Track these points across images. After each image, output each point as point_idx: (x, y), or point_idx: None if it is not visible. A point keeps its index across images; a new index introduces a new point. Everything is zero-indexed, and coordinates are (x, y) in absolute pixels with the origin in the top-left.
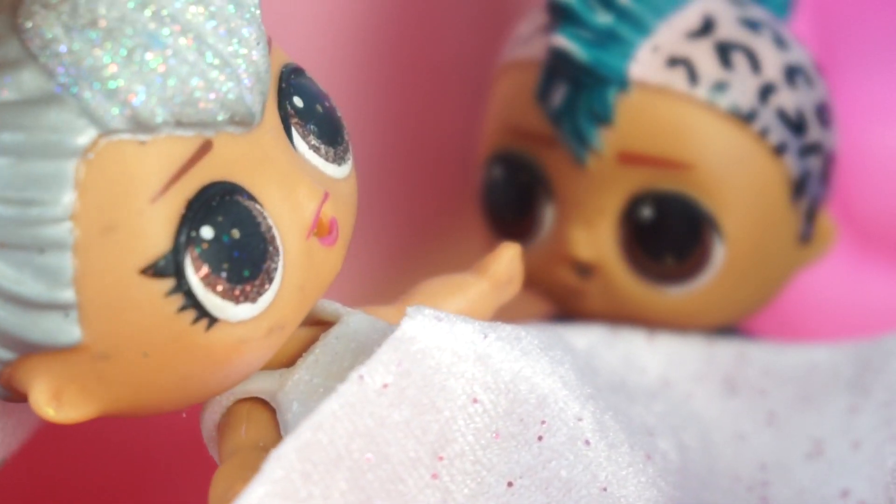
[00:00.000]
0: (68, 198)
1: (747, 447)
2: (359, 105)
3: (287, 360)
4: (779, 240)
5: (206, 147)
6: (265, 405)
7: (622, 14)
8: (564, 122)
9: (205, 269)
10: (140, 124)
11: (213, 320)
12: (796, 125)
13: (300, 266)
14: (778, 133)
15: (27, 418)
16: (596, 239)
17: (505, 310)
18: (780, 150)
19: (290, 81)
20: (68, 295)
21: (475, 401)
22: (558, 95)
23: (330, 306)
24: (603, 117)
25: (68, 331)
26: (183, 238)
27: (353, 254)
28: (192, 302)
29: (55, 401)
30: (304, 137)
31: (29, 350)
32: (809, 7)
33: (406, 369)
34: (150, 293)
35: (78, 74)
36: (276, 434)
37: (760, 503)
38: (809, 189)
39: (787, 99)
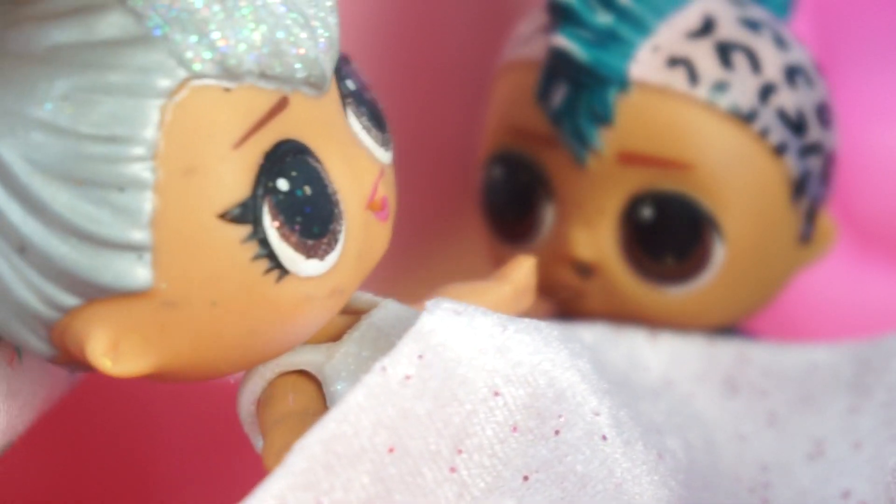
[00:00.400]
0: (152, 137)
1: (748, 448)
2: None
3: (329, 340)
4: (779, 240)
5: (282, 103)
6: (309, 379)
7: (622, 14)
8: (564, 122)
9: (280, 220)
10: (227, 70)
11: (283, 273)
12: (796, 125)
13: (359, 234)
14: (778, 133)
15: (33, 401)
16: (596, 239)
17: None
18: (780, 150)
19: (342, 65)
20: (144, 236)
21: (496, 394)
22: (558, 95)
23: (364, 296)
24: (603, 117)
25: (140, 274)
26: (261, 187)
27: None
28: (267, 251)
29: (113, 351)
30: (357, 117)
31: (95, 295)
32: (809, 7)
33: (428, 361)
34: (226, 238)
35: (169, 17)
36: (323, 406)
37: None
38: (809, 189)
39: (788, 99)
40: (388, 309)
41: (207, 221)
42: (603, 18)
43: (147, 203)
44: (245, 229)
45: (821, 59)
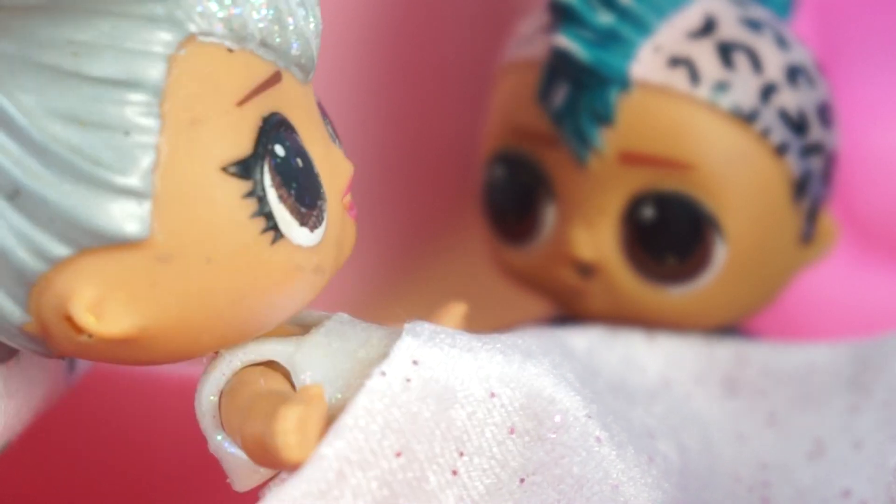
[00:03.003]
0: (159, 84)
1: (748, 447)
2: (361, 105)
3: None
4: (780, 240)
5: (276, 77)
6: (277, 371)
7: (623, 14)
8: (566, 122)
9: (278, 181)
10: (233, 31)
11: (278, 235)
12: (798, 125)
13: (337, 222)
14: (779, 133)
15: (30, 401)
16: (597, 239)
17: (507, 309)
18: (781, 150)
19: None
20: (146, 182)
21: (493, 395)
22: (559, 95)
23: (315, 312)
24: (604, 117)
25: (138, 221)
26: (261, 147)
27: (355, 252)
28: (265, 210)
29: (97, 308)
30: (325, 125)
31: (88, 243)
32: (811, 7)
33: (424, 366)
34: (227, 192)
35: None
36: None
37: (761, 503)
38: (811, 189)
39: (789, 99)
40: (344, 317)
41: (210, 173)
42: (604, 18)
43: (151, 149)
44: (246, 185)
45: (822, 59)
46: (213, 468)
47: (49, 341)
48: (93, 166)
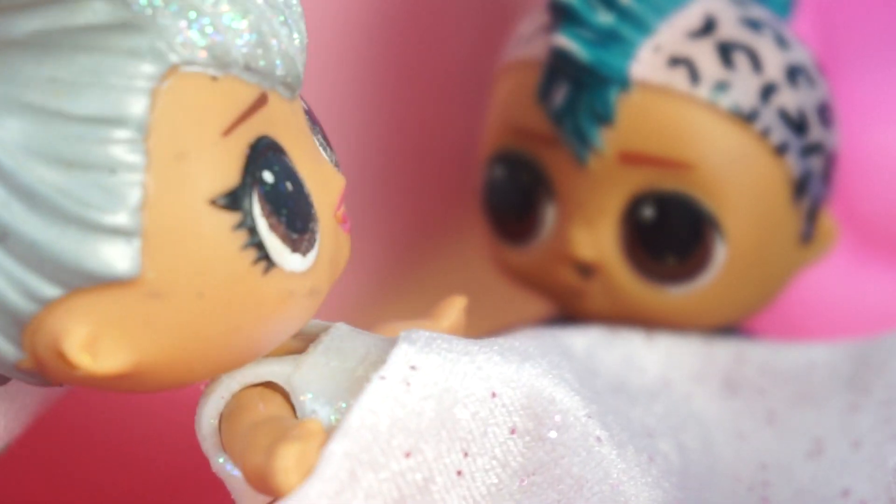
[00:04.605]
0: (143, 120)
1: (747, 447)
2: (361, 105)
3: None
4: (780, 240)
5: (263, 99)
6: (276, 391)
7: (623, 14)
8: (566, 122)
9: (268, 209)
10: (215, 58)
11: (270, 265)
12: (798, 125)
13: (331, 239)
14: (779, 133)
15: (30, 403)
16: (597, 239)
17: (507, 310)
18: (781, 149)
19: None
20: (134, 221)
21: (494, 395)
22: (559, 95)
23: (314, 321)
24: (604, 117)
25: (128, 260)
26: (249, 176)
27: (355, 252)
28: (256, 240)
29: (92, 347)
30: (314, 134)
31: (79, 283)
32: (811, 7)
33: (423, 371)
34: (216, 225)
35: (161, 4)
36: (293, 416)
37: (761, 503)
38: (811, 189)
39: (789, 99)
40: (343, 329)
41: (198, 207)
42: (604, 18)
43: (137, 186)
44: (235, 216)
45: (822, 59)
46: (210, 470)
47: (45, 374)
48: (80, 207)
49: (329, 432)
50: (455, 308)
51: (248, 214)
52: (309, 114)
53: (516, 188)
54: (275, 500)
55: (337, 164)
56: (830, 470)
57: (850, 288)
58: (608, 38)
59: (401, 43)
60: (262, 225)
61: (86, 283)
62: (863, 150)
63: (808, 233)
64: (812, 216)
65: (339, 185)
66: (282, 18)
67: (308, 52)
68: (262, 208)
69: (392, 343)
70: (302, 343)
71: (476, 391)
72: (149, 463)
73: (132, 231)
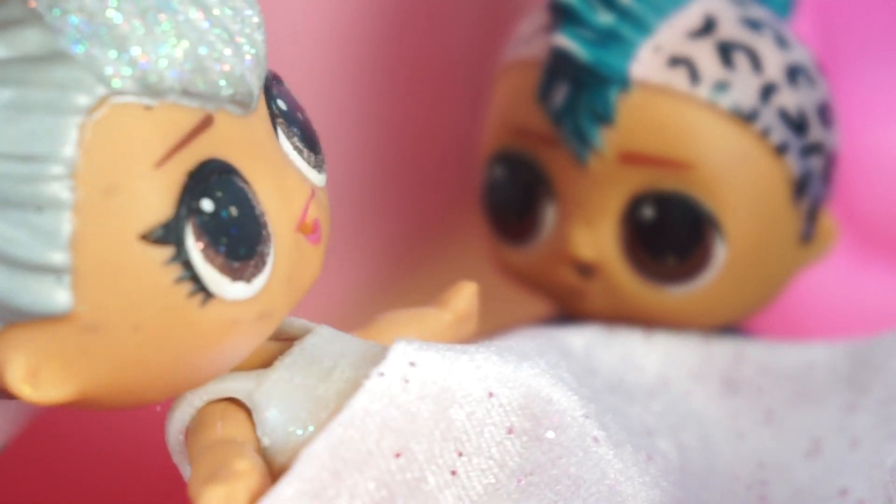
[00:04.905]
0: (71, 155)
1: (746, 446)
2: (360, 105)
3: (261, 366)
4: (780, 239)
5: (207, 121)
6: (239, 406)
7: (623, 14)
8: (566, 122)
9: (204, 241)
10: (148, 87)
11: (208, 296)
12: (798, 125)
13: (289, 257)
14: (779, 133)
15: (23, 408)
16: (597, 239)
17: (507, 310)
18: (781, 149)
19: (272, 85)
20: (63, 258)
21: (491, 395)
22: (559, 95)
23: (297, 322)
24: (604, 117)
25: (59, 297)
26: (184, 207)
27: (355, 253)
28: (190, 274)
29: (33, 378)
30: (288, 138)
31: (13, 318)
32: (811, 7)
33: (421, 368)
34: (148, 260)
35: (88, 33)
36: (253, 433)
37: (759, 502)
38: (811, 189)
39: (789, 99)
40: (321, 335)
41: (129, 242)
42: (604, 18)
43: (66, 224)
44: (168, 251)
45: (822, 59)
46: None
47: (5, 395)
48: (8, 246)
49: (295, 447)
50: (464, 295)
51: (182, 247)
52: (287, 114)
53: (516, 188)
54: None
55: (321, 164)
56: (829, 469)
57: (850, 288)
58: (608, 38)
59: (401, 43)
60: (197, 258)
61: (20, 318)
62: (863, 150)
63: (808, 233)
64: (812, 216)
65: (303, 196)
66: (226, 37)
67: (308, 52)
68: (198, 240)
69: (374, 347)
70: (280, 346)
71: (473, 391)
72: (146, 464)
73: (62, 268)
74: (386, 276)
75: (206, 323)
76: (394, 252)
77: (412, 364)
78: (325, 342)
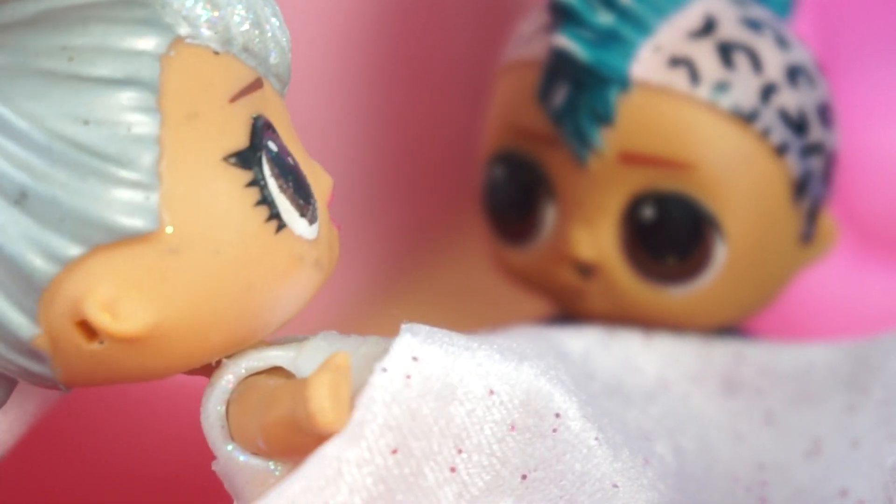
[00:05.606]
0: (156, 81)
1: (745, 447)
2: (360, 105)
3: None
4: (780, 240)
5: (259, 82)
6: (280, 378)
7: (623, 14)
8: (566, 122)
9: (277, 171)
10: (217, 34)
11: (281, 224)
12: (798, 125)
13: (326, 227)
14: (779, 133)
15: (23, 415)
16: (597, 239)
17: (507, 309)
18: (781, 150)
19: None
20: (152, 175)
21: (491, 392)
22: (559, 95)
23: (299, 337)
24: (604, 117)
25: (147, 213)
26: (258, 140)
27: (355, 252)
28: (268, 199)
29: (112, 307)
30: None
31: (100, 239)
32: (811, 7)
33: (423, 362)
34: (230, 181)
35: None
36: None
37: (759, 503)
38: (811, 189)
39: (789, 99)
40: (333, 333)
41: (212, 164)
42: (604, 18)
43: (154, 143)
44: (248, 174)
45: (822, 59)
46: (208, 473)
47: (56, 358)
48: (100, 162)
49: None
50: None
51: (261, 172)
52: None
53: (516, 188)
54: (298, 459)
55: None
56: (828, 470)
57: (850, 288)
58: (608, 39)
59: (400, 43)
60: (272, 185)
61: (106, 238)
62: (863, 150)
63: (809, 233)
64: (812, 216)
65: (328, 181)
66: (270, 10)
67: (308, 51)
68: (272, 169)
69: (386, 340)
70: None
71: (474, 388)
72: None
73: (150, 185)
74: (386, 276)
75: (278, 252)
76: (394, 252)
77: (415, 359)
78: (342, 335)
